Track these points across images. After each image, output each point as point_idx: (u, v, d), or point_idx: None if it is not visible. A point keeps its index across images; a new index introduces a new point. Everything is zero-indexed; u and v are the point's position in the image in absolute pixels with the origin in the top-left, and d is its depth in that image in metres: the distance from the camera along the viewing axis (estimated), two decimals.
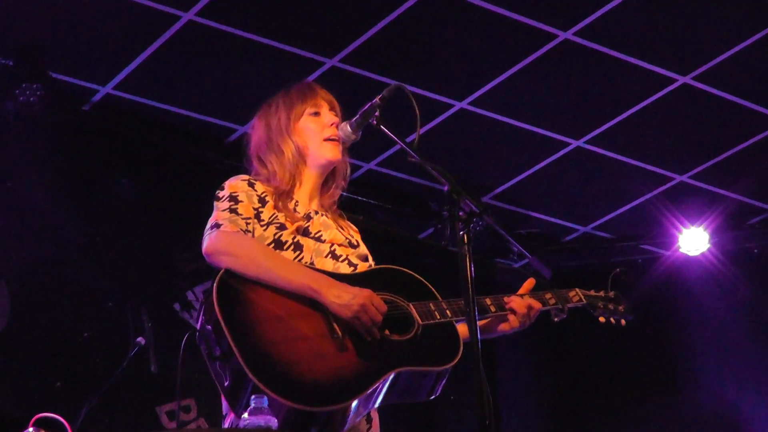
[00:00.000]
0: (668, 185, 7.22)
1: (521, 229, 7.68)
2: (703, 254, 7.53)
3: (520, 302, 3.62)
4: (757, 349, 7.48)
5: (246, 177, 3.57)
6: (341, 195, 3.71)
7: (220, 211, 3.44)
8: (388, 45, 5.84)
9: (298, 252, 3.45)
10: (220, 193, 3.49)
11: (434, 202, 7.20)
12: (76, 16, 5.55)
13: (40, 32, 5.69)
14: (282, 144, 3.59)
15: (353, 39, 5.81)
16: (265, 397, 2.84)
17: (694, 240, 7.47)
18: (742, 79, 6.23)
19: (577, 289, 3.85)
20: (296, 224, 3.48)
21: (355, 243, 3.59)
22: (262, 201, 3.50)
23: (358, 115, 3.50)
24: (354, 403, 3.20)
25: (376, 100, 3.42)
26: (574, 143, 6.80)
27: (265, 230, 3.45)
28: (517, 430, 7.78)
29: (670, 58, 6.06)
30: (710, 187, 7.24)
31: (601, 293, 3.93)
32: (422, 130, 5.92)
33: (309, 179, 3.61)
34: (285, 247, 3.44)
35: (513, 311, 3.60)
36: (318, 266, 3.43)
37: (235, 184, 3.52)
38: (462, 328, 3.44)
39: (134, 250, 6.23)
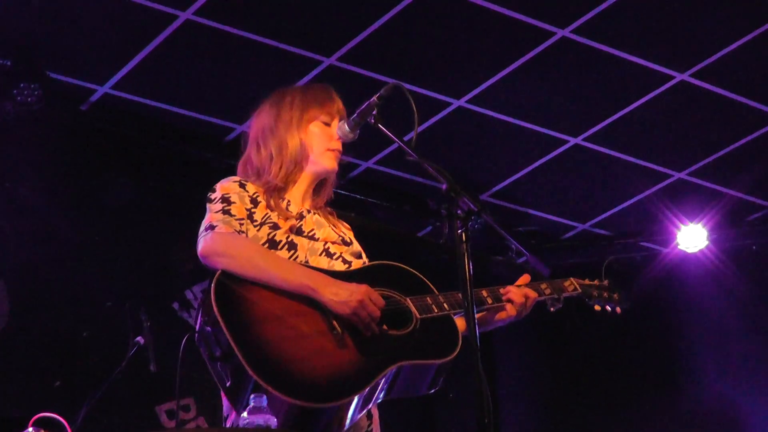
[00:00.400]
0: (667, 182, 7.23)
1: (520, 226, 7.69)
2: (701, 251, 7.53)
3: (517, 292, 3.65)
4: (755, 345, 7.49)
5: (237, 178, 3.57)
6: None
7: (213, 213, 3.44)
8: (385, 44, 5.84)
9: (292, 251, 3.46)
10: (212, 195, 3.50)
11: (433, 200, 7.21)
12: (74, 16, 5.56)
13: (38, 32, 5.69)
14: (288, 137, 3.59)
15: (351, 38, 5.81)
16: (265, 396, 2.84)
17: (692, 237, 7.47)
18: (740, 76, 6.23)
19: (572, 279, 3.89)
20: (289, 223, 3.49)
21: (348, 240, 3.61)
22: (254, 201, 3.51)
23: (355, 114, 3.51)
24: (356, 400, 3.21)
25: (374, 99, 3.43)
26: (573, 141, 6.80)
27: (258, 230, 3.46)
28: (516, 428, 7.78)
29: (667, 55, 6.06)
30: (709, 184, 7.25)
31: (596, 282, 3.98)
32: (420, 128, 5.94)
33: (303, 181, 3.62)
34: (279, 247, 3.45)
35: (510, 301, 3.63)
36: (313, 264, 3.45)
37: (227, 185, 3.52)
38: (460, 321, 3.45)
39: (133, 249, 6.24)
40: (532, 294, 3.68)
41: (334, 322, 3.27)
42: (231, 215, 3.43)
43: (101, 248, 6.14)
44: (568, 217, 7.71)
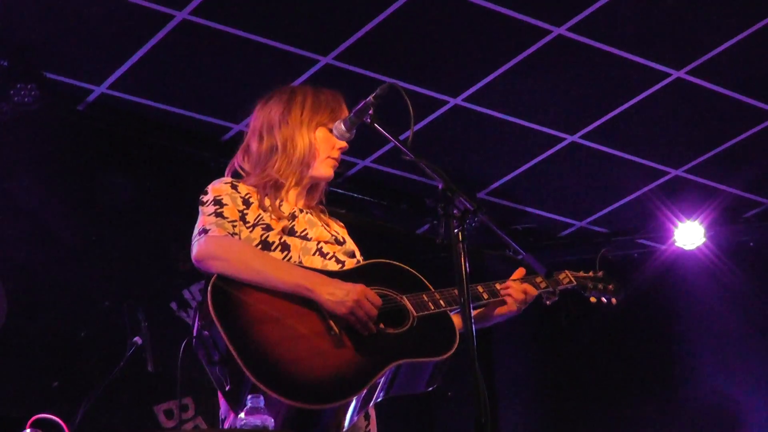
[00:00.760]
0: (663, 179, 7.23)
1: (517, 224, 7.70)
2: (698, 248, 7.53)
3: (517, 287, 3.66)
4: (752, 342, 7.49)
5: (228, 180, 3.57)
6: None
7: (206, 216, 3.44)
8: (382, 42, 5.84)
9: (285, 252, 3.46)
10: (204, 198, 3.49)
11: (430, 198, 7.22)
12: (71, 16, 5.55)
13: (35, 32, 5.69)
14: (297, 136, 3.58)
15: (347, 37, 5.81)
16: (262, 397, 2.84)
17: (689, 234, 7.47)
18: (736, 73, 6.23)
19: (567, 271, 3.90)
20: (281, 224, 3.49)
21: (342, 240, 3.61)
22: (246, 203, 3.50)
23: (352, 114, 3.51)
24: (354, 400, 3.21)
25: (370, 98, 3.43)
26: (569, 138, 6.80)
27: (251, 232, 3.46)
28: (514, 425, 7.78)
29: (663, 52, 6.06)
30: (705, 181, 7.25)
31: (590, 274, 3.99)
32: (417, 127, 5.94)
33: (300, 182, 3.62)
34: (272, 248, 3.45)
35: (510, 296, 3.64)
36: (306, 264, 3.44)
37: (219, 187, 3.52)
38: (457, 318, 3.46)
39: (131, 249, 6.24)
40: (531, 290, 3.69)
41: (331, 323, 3.27)
42: (224, 217, 3.43)
43: (99, 248, 6.14)
44: (566, 215, 7.72)
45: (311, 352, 3.21)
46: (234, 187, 3.53)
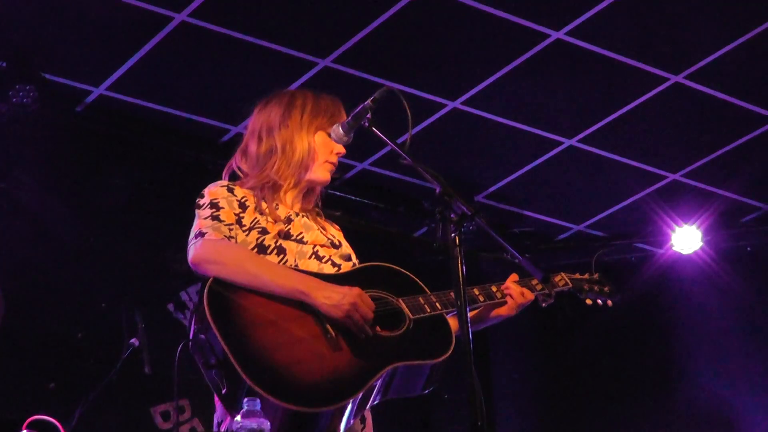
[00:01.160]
0: (661, 184, 7.24)
1: (515, 227, 7.69)
2: (696, 252, 7.53)
3: (516, 289, 3.66)
4: (750, 346, 7.50)
5: (225, 183, 3.58)
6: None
7: (202, 219, 3.44)
8: (380, 45, 5.85)
9: (281, 255, 3.46)
10: (201, 201, 3.50)
11: (427, 201, 7.22)
12: (69, 17, 5.56)
13: (33, 34, 5.69)
14: (297, 139, 3.59)
15: (346, 39, 5.82)
16: (258, 400, 2.85)
17: (687, 238, 7.48)
18: (734, 78, 6.24)
19: (563, 273, 3.92)
20: (277, 227, 3.49)
21: (337, 243, 3.61)
22: (243, 206, 3.51)
23: (349, 117, 3.51)
24: (351, 403, 3.22)
25: (368, 102, 3.43)
26: (567, 142, 6.81)
27: (247, 235, 3.46)
28: (511, 427, 7.79)
29: (661, 57, 6.07)
30: (703, 186, 7.26)
31: (586, 276, 4.00)
32: (415, 130, 5.95)
33: (297, 185, 3.62)
34: (268, 251, 3.46)
35: (510, 296, 3.66)
36: (302, 268, 3.45)
37: (215, 190, 3.52)
38: (453, 321, 3.46)
39: (128, 250, 6.23)
40: (528, 294, 3.71)
41: (328, 326, 3.28)
42: (220, 221, 3.44)
43: (96, 249, 6.13)
44: (563, 219, 7.72)
45: (307, 355, 3.22)
46: (230, 190, 3.54)
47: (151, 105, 6.24)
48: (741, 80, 6.28)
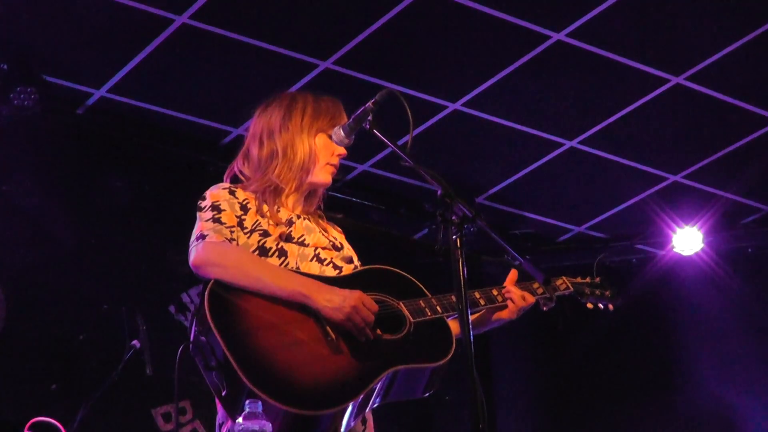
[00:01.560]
0: (662, 185, 7.24)
1: (516, 229, 7.70)
2: (697, 254, 7.53)
3: (518, 293, 3.66)
4: (751, 347, 7.49)
5: (226, 185, 3.58)
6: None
7: (203, 222, 3.44)
8: (381, 47, 5.85)
9: (282, 258, 3.46)
10: (202, 203, 3.50)
11: (428, 203, 7.22)
12: (70, 19, 5.56)
13: (34, 36, 5.70)
14: (298, 141, 3.59)
15: (347, 41, 5.82)
16: (260, 402, 2.85)
17: (688, 239, 7.47)
18: (735, 79, 6.24)
19: (564, 277, 3.91)
20: (279, 230, 3.49)
21: (339, 245, 3.61)
22: (244, 208, 3.51)
23: (350, 120, 3.51)
24: (351, 406, 3.22)
25: (369, 104, 3.43)
26: (568, 144, 6.81)
27: (248, 238, 3.46)
28: (513, 429, 7.79)
29: (662, 58, 6.07)
30: (704, 187, 7.26)
31: (588, 279, 3.99)
32: (416, 131, 5.94)
33: (299, 188, 3.62)
34: (269, 254, 3.45)
35: (512, 300, 3.65)
36: (303, 270, 3.45)
37: (216, 193, 3.52)
38: (454, 324, 3.46)
39: (129, 252, 6.24)
40: (530, 297, 3.71)
41: (328, 329, 3.28)
42: (221, 223, 3.44)
43: (98, 251, 6.14)
44: (564, 220, 7.72)
45: (308, 358, 3.22)
46: (232, 192, 3.54)
47: (152, 107, 6.25)
48: (742, 81, 6.28)
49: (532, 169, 7.05)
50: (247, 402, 2.84)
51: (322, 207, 3.71)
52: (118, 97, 6.13)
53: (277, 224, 3.51)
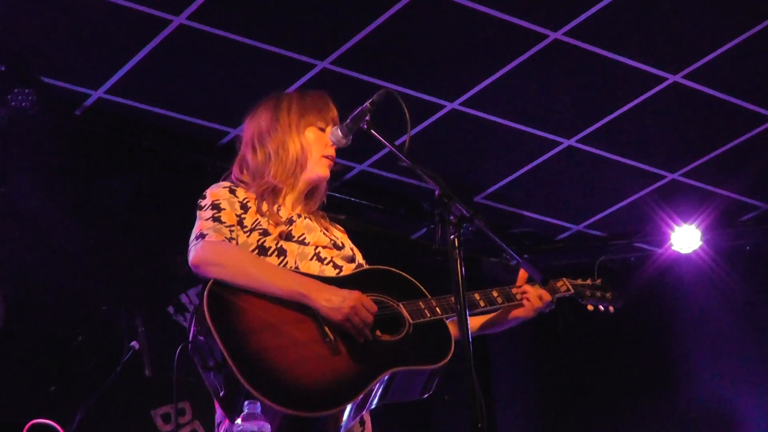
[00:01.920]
0: (660, 183, 7.24)
1: (514, 228, 7.70)
2: (695, 252, 7.53)
3: (535, 292, 3.66)
4: (750, 345, 7.49)
5: (227, 184, 3.58)
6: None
7: (203, 221, 3.44)
8: (379, 47, 5.85)
9: (282, 257, 3.46)
10: (202, 202, 3.50)
11: (427, 202, 7.22)
12: (68, 20, 5.56)
13: (32, 37, 5.69)
14: (288, 140, 3.59)
15: (344, 41, 5.82)
16: (258, 403, 2.84)
17: (686, 237, 7.48)
18: (732, 77, 6.24)
19: (565, 279, 3.90)
20: (279, 229, 3.49)
21: (340, 244, 3.60)
22: (244, 207, 3.51)
23: (348, 120, 3.52)
24: (349, 407, 3.21)
25: (366, 104, 3.44)
26: (566, 142, 6.81)
27: (248, 237, 3.46)
28: (512, 430, 7.79)
29: (660, 56, 6.07)
30: (702, 185, 7.26)
31: (588, 281, 3.99)
32: (414, 131, 5.95)
33: (297, 187, 3.62)
34: (269, 253, 3.45)
35: (528, 300, 3.66)
36: (303, 270, 3.44)
37: (216, 191, 3.52)
38: (453, 326, 3.45)
39: (128, 253, 6.23)
40: (547, 296, 3.71)
41: (327, 329, 3.27)
42: (221, 222, 3.43)
43: (96, 252, 6.13)
44: (562, 219, 7.72)
45: (306, 358, 3.21)
46: (232, 191, 3.54)
47: (149, 108, 6.24)
48: (740, 79, 6.28)
49: (530, 168, 7.05)
50: (245, 403, 2.83)
51: (325, 202, 3.71)
52: (116, 98, 6.12)
53: (277, 224, 3.51)
